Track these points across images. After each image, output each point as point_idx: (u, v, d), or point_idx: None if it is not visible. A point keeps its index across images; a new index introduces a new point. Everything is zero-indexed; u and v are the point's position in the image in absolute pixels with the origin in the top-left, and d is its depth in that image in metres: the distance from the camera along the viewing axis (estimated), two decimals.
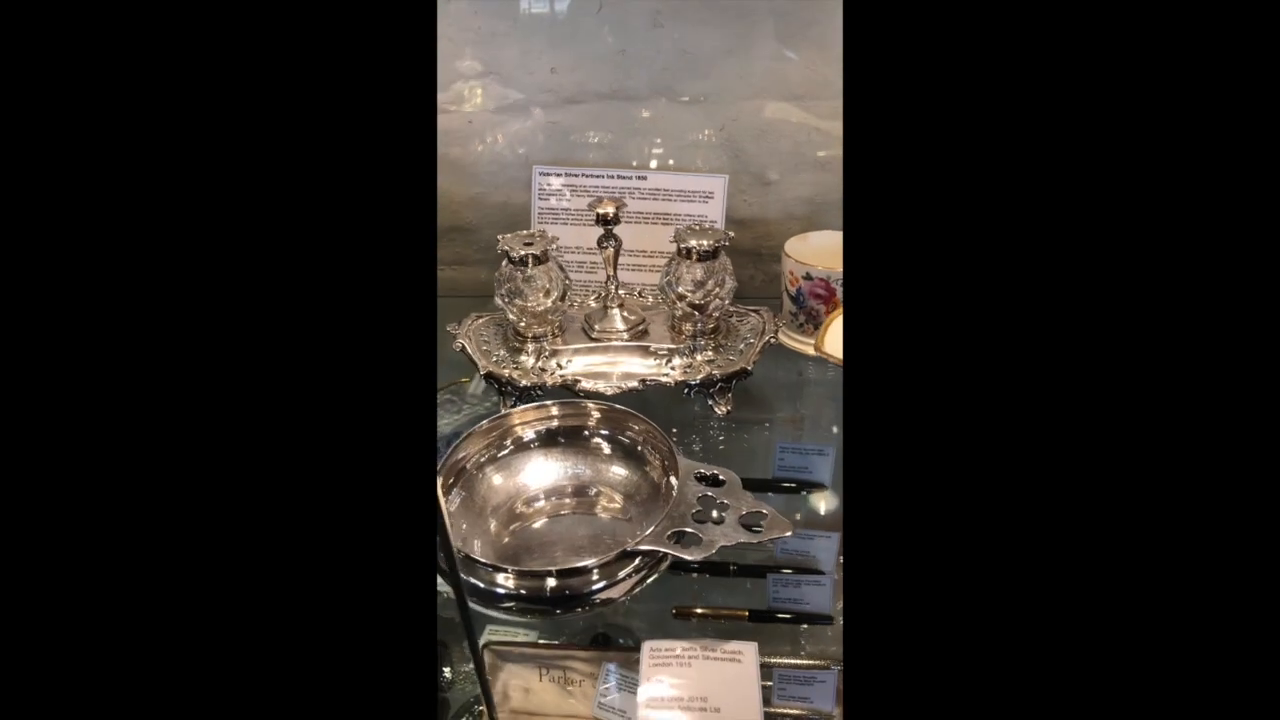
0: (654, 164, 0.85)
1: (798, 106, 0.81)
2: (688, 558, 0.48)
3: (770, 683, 0.52)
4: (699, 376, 0.67)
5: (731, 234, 0.68)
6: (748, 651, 0.48)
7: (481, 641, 0.55)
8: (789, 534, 0.49)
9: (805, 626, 0.56)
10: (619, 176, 0.80)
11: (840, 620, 0.54)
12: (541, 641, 0.56)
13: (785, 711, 0.53)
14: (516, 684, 0.54)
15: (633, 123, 0.83)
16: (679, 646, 0.49)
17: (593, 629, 0.60)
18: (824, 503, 0.64)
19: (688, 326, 0.70)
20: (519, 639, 0.57)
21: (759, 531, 0.49)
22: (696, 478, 0.53)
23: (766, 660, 0.51)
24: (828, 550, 0.59)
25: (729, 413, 0.69)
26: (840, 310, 0.57)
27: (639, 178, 0.80)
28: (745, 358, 0.69)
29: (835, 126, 0.82)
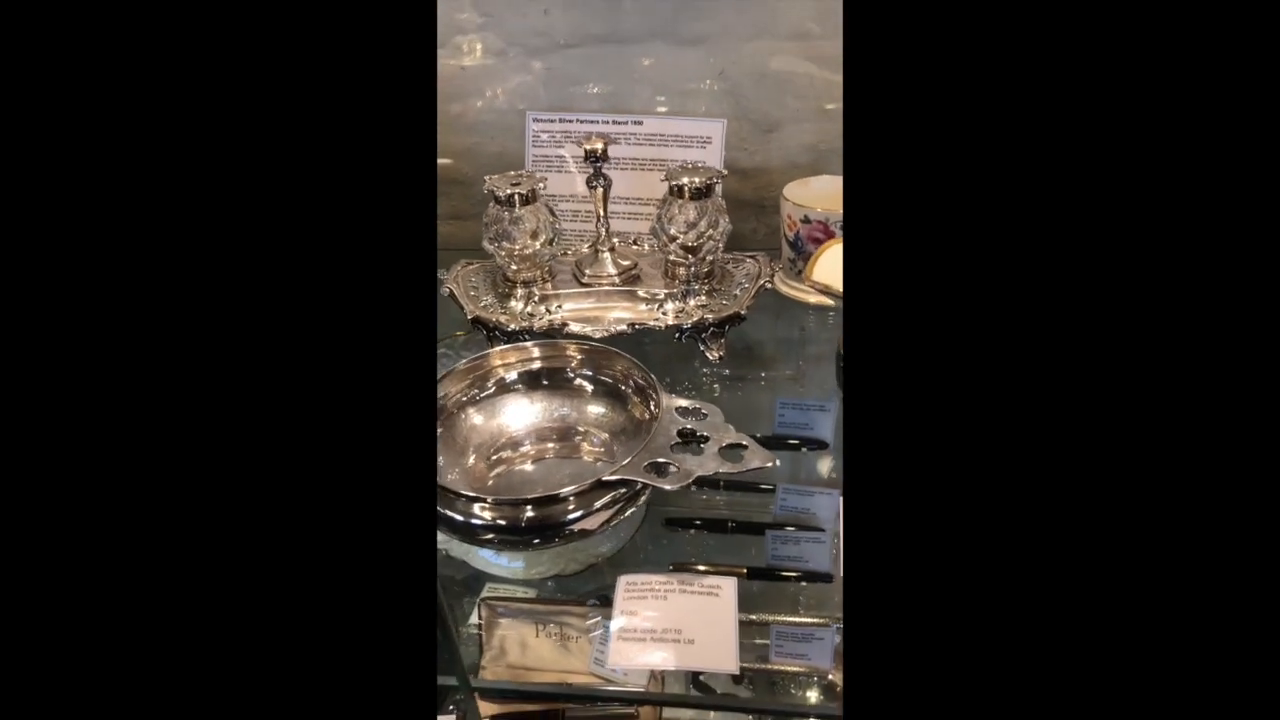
0: (663, 109, 0.82)
1: (801, 48, 0.78)
2: (664, 486, 0.46)
3: (768, 640, 0.51)
4: (691, 321, 0.66)
5: (724, 172, 0.66)
6: (726, 586, 0.47)
7: (480, 597, 0.55)
8: (771, 464, 0.47)
9: (804, 584, 0.54)
10: (614, 122, 0.78)
11: (840, 577, 0.52)
12: (541, 597, 0.55)
13: (784, 669, 0.52)
14: (513, 638, 0.53)
15: (632, 71, 0.81)
16: (655, 580, 0.47)
17: (595, 590, 0.58)
18: (826, 459, 0.62)
19: (681, 271, 0.68)
20: (518, 595, 0.56)
21: (740, 460, 0.47)
22: (679, 411, 0.52)
23: (765, 617, 0.50)
24: (828, 508, 0.57)
25: (721, 358, 0.67)
26: (832, 242, 0.55)
27: (635, 123, 0.78)
28: (739, 302, 0.67)
29: (840, 69, 0.79)
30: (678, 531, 0.61)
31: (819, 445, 0.62)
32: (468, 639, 0.54)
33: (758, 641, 0.52)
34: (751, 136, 0.83)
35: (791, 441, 0.62)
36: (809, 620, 0.50)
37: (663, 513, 0.59)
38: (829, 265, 0.52)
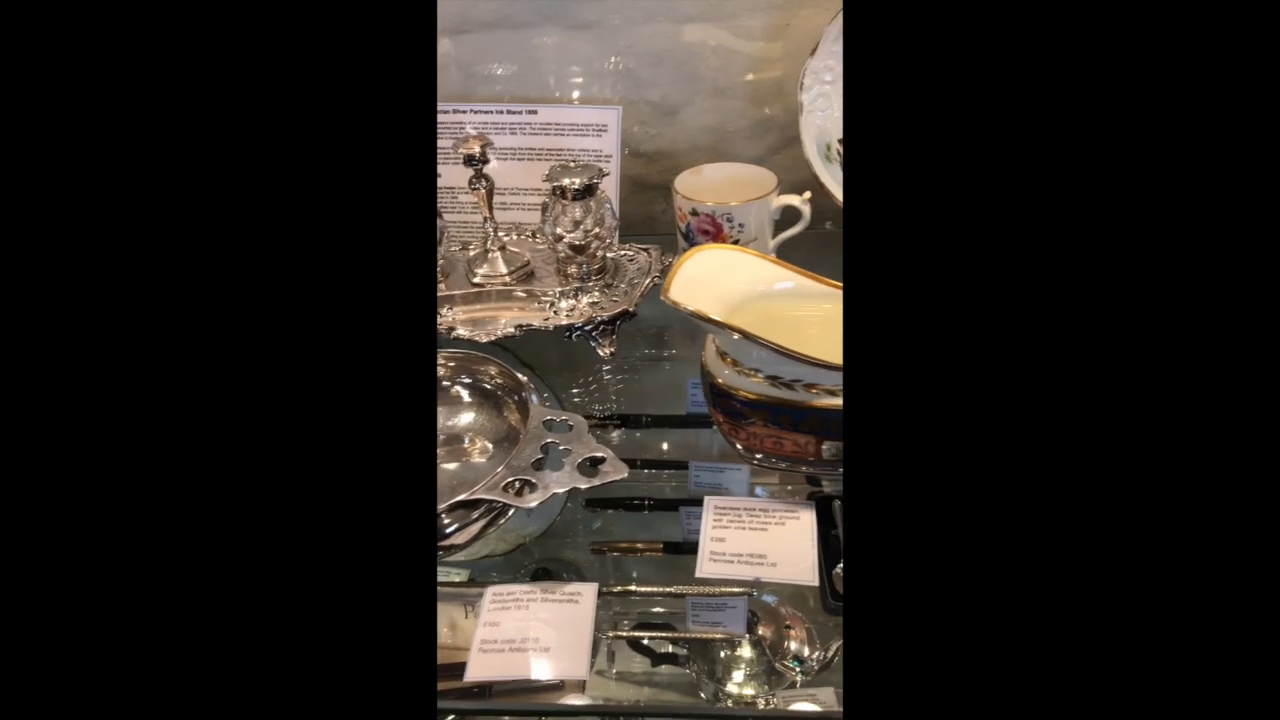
0: (559, 95, 0.81)
1: (698, 30, 0.77)
2: (520, 505, 0.48)
3: (684, 610, 0.54)
4: (581, 320, 0.66)
5: (605, 171, 0.65)
6: (586, 593, 0.49)
7: None
8: (624, 476, 0.49)
9: None
10: (509, 112, 0.77)
11: None
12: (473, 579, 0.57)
13: (701, 635, 0.55)
14: (442, 621, 0.55)
15: (533, 52, 0.80)
16: (520, 590, 0.49)
17: (531, 568, 0.62)
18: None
19: (572, 269, 0.68)
20: (452, 579, 0.59)
21: (596, 475, 0.49)
22: (544, 424, 0.53)
23: (682, 590, 0.53)
24: (739, 481, 0.59)
25: (613, 354, 0.68)
26: (693, 252, 0.55)
27: (529, 112, 0.77)
28: (629, 299, 0.68)
29: (738, 45, 0.77)
30: (596, 512, 0.64)
31: None
32: None
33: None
34: (653, 119, 0.82)
35: (703, 419, 0.63)
36: (723, 590, 0.53)
37: (586, 493, 0.61)
38: (689, 280, 0.52)
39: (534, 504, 0.48)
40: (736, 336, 0.49)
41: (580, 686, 0.46)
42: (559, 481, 0.49)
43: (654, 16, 0.76)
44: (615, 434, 0.68)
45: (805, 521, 0.52)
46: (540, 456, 0.51)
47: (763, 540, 0.51)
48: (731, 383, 0.52)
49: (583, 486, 0.49)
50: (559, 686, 0.63)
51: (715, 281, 0.54)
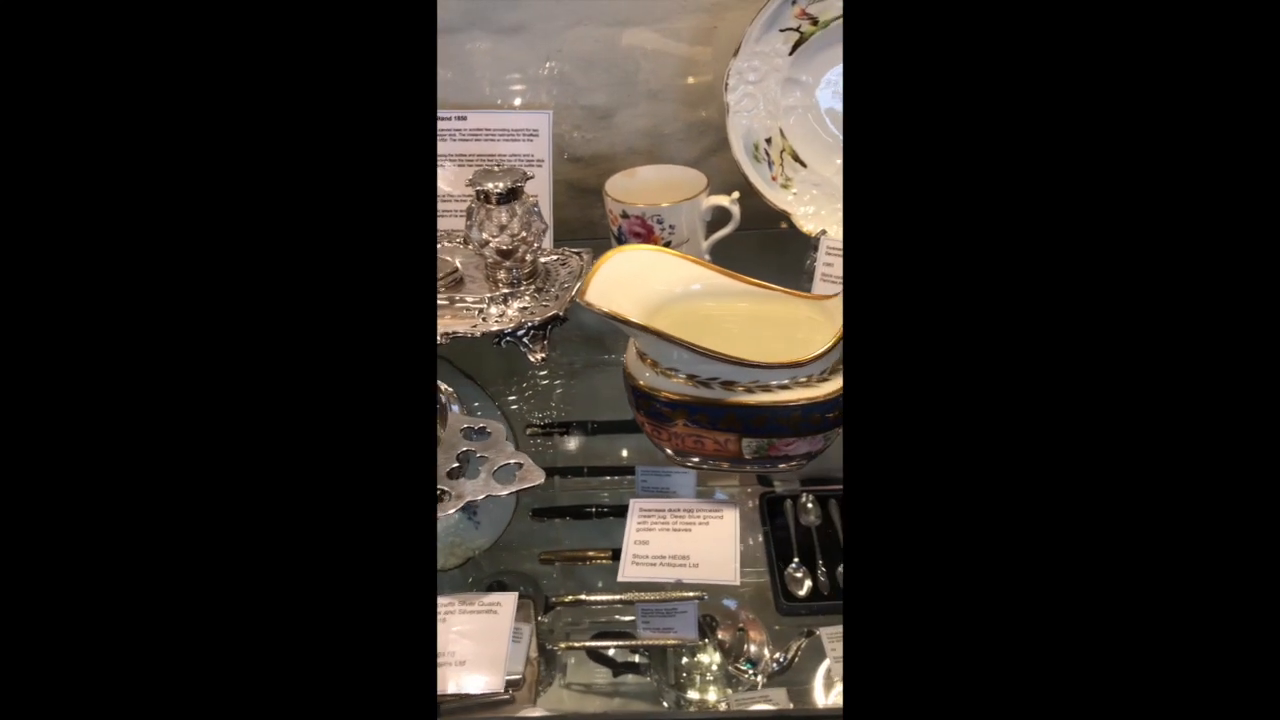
0: (518, 101, 0.80)
1: (624, 31, 0.77)
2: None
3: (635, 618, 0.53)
4: (511, 325, 0.66)
5: (530, 175, 0.65)
6: (506, 603, 0.48)
7: None
8: (540, 481, 0.48)
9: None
10: (439, 119, 0.76)
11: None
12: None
13: (653, 642, 0.54)
14: None
15: (465, 58, 0.79)
16: (440, 602, 0.48)
17: (485, 582, 0.60)
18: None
19: (501, 274, 0.67)
20: None
21: (510, 482, 0.48)
22: (463, 432, 0.52)
23: (636, 597, 0.52)
24: (685, 485, 0.58)
25: (544, 359, 0.67)
26: (612, 253, 0.54)
27: (459, 118, 0.76)
28: (560, 303, 0.67)
29: (669, 48, 0.77)
30: (544, 522, 0.63)
31: None
32: None
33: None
34: (587, 123, 0.82)
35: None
36: (674, 595, 0.52)
37: (532, 503, 0.60)
38: (609, 282, 0.52)
39: (451, 512, 0.47)
40: (652, 337, 0.49)
41: (506, 694, 0.45)
42: (474, 489, 0.48)
43: (582, 20, 0.76)
44: (573, 441, 0.68)
45: (729, 520, 0.51)
46: (456, 465, 0.50)
47: (686, 541, 0.51)
48: (653, 384, 0.52)
49: (502, 494, 0.48)
50: (509, 700, 0.63)
51: (637, 283, 0.54)
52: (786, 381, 0.49)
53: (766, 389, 0.49)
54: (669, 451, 0.55)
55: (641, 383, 0.52)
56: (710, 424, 0.50)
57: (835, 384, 0.49)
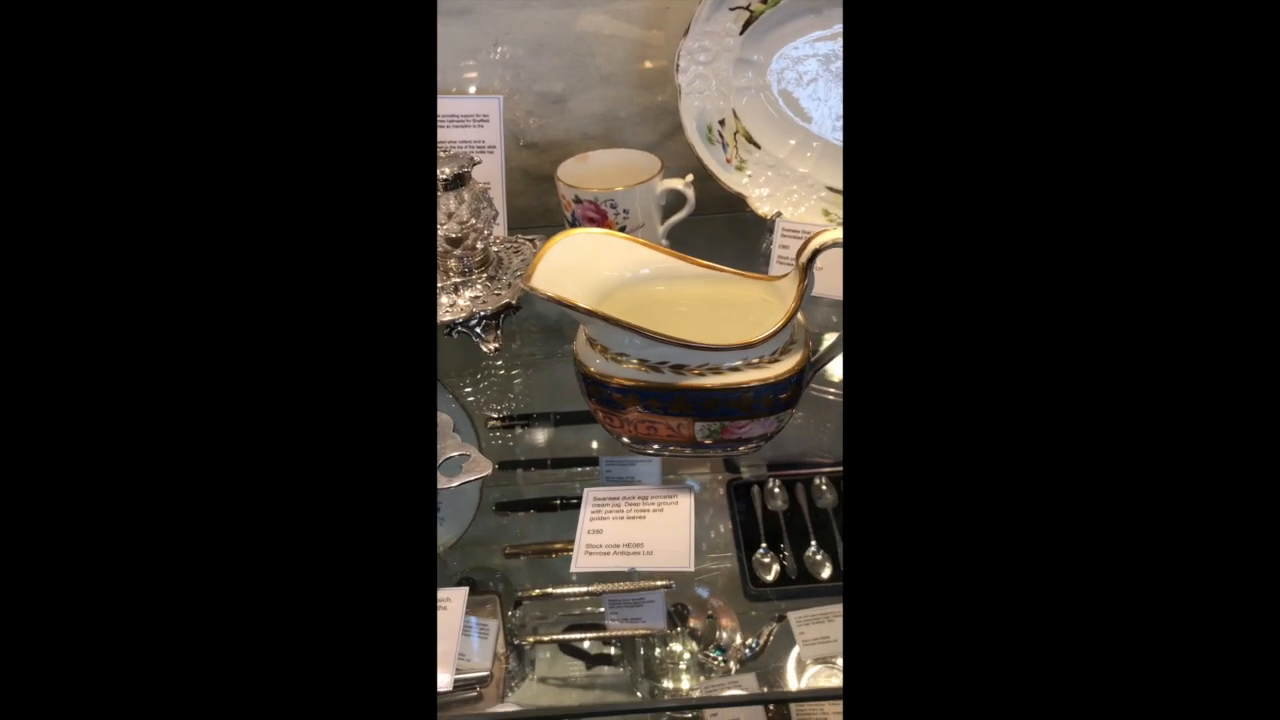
0: (457, 88, 0.78)
1: (574, 14, 0.75)
2: None
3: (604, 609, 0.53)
4: (462, 315, 0.64)
5: (478, 160, 0.63)
6: (456, 598, 0.47)
7: None
8: (488, 473, 0.47)
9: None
10: None
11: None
12: None
13: (622, 632, 0.53)
14: None
15: None
16: None
17: (455, 578, 0.59)
18: None
19: (452, 262, 0.66)
20: None
21: (456, 475, 0.47)
22: None
23: (605, 589, 0.52)
24: (650, 474, 0.57)
25: (497, 349, 0.66)
26: (560, 236, 0.53)
27: None
28: (513, 291, 0.65)
29: (621, 31, 0.76)
30: (510, 515, 0.62)
31: None
32: None
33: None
34: (540, 108, 0.80)
35: None
36: (642, 585, 0.51)
37: (497, 498, 0.60)
38: (556, 267, 0.50)
39: None
40: (600, 322, 0.48)
41: (474, 691, 0.44)
42: None
43: (528, 2, 0.74)
44: (540, 433, 0.67)
45: (684, 507, 0.51)
46: None
47: (640, 529, 0.50)
48: (604, 370, 0.50)
49: (451, 486, 0.47)
50: (477, 697, 0.61)
51: (585, 267, 0.52)
52: (738, 363, 0.48)
53: (718, 371, 0.48)
54: (625, 440, 0.54)
55: (592, 369, 0.51)
56: (663, 409, 0.49)
57: (787, 365, 0.49)
